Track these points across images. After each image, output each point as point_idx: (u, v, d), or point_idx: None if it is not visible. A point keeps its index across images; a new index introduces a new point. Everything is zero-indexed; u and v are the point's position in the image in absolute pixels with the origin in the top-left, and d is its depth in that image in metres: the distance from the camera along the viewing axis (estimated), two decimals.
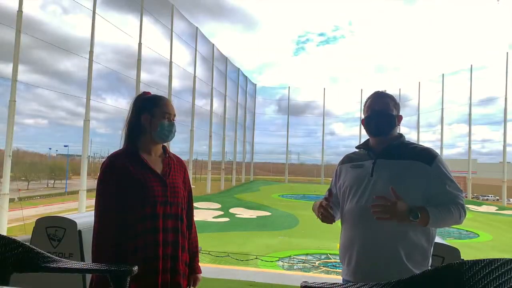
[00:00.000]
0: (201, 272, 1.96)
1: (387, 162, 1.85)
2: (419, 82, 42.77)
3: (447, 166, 1.84)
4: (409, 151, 1.86)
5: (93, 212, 1.77)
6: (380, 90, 2.03)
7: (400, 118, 1.97)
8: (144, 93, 1.93)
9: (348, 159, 2.04)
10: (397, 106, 1.97)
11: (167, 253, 1.72)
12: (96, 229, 1.70)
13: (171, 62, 24.36)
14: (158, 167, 1.83)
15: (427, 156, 1.81)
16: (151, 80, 23.83)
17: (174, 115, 1.90)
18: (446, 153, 39.26)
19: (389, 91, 2.09)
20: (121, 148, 1.86)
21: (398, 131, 1.98)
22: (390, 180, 1.78)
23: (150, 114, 1.83)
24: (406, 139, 1.96)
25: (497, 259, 1.15)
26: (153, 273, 1.68)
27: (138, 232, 1.69)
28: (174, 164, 1.90)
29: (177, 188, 1.83)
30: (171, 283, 1.73)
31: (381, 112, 1.91)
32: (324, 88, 48.68)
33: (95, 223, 1.71)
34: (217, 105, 34.12)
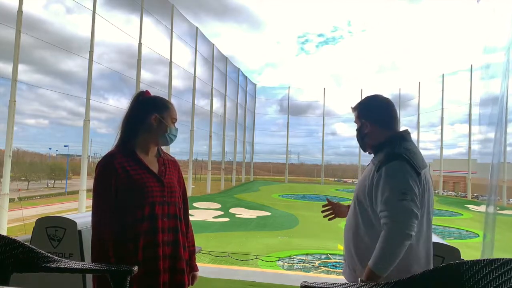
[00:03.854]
0: (198, 270, 1.96)
1: (370, 163, 1.91)
2: (419, 82, 42.75)
3: (398, 175, 1.66)
4: (382, 154, 1.79)
5: None
6: (353, 105, 1.98)
7: (369, 122, 1.88)
8: (146, 92, 1.90)
9: None
10: (362, 112, 1.91)
11: (166, 253, 1.72)
12: (95, 230, 1.68)
13: (171, 62, 24.35)
14: (155, 167, 1.81)
15: (380, 162, 1.74)
16: (155, 80, 23.89)
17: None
18: (447, 153, 39.23)
19: (389, 91, 2.07)
20: (114, 145, 1.80)
21: (382, 131, 1.86)
22: (359, 182, 1.87)
23: (160, 116, 1.81)
24: (404, 141, 1.82)
25: (497, 259, 1.15)
26: (154, 273, 1.67)
27: (137, 232, 1.67)
28: (169, 164, 1.88)
29: (174, 187, 1.82)
30: (172, 283, 1.73)
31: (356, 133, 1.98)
32: (324, 88, 48.62)
33: (93, 223, 1.69)
34: (217, 105, 34.13)
